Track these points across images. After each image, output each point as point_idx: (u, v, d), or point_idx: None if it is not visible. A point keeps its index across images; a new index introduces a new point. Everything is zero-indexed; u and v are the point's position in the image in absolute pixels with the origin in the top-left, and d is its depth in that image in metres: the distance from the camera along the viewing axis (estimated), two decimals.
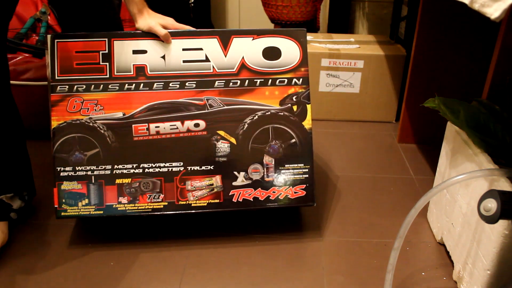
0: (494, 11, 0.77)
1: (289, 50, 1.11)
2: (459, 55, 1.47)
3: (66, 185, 1.06)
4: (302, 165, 1.11)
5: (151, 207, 1.08)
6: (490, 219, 0.71)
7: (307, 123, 1.11)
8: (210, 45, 1.09)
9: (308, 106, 1.11)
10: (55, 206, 1.06)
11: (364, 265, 1.05)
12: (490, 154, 0.90)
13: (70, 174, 1.06)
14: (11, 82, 1.11)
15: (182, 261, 1.05)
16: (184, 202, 1.08)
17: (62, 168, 1.06)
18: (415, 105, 1.56)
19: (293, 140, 1.10)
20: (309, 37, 1.88)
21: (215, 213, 1.13)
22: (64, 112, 1.06)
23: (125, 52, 1.07)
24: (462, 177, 0.83)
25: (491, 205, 0.70)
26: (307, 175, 1.11)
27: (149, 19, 1.07)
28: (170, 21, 1.10)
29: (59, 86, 1.06)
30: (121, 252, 1.07)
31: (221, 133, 1.09)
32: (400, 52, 1.73)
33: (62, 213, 1.06)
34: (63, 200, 1.06)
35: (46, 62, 1.05)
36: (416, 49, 1.48)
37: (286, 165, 1.10)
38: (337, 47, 1.76)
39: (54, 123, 1.06)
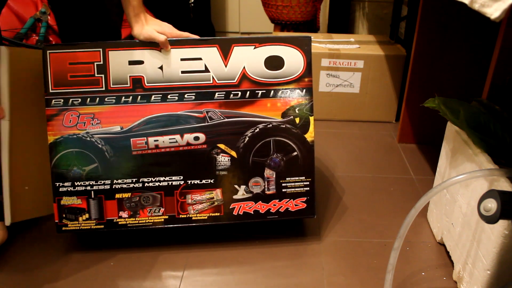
0: (494, 11, 0.76)
1: (293, 59, 1.04)
2: (459, 55, 1.44)
3: (65, 200, 1.01)
4: (304, 178, 1.05)
5: (152, 221, 1.03)
6: (490, 219, 0.69)
7: (309, 136, 1.04)
8: (209, 55, 1.02)
9: (311, 118, 1.04)
10: (56, 221, 1.02)
11: (364, 265, 1.02)
12: (490, 154, 0.87)
13: (69, 189, 1.01)
14: None
15: (182, 261, 1.03)
16: (185, 216, 1.04)
17: (61, 184, 1.01)
18: (415, 105, 1.53)
19: (295, 153, 1.04)
20: None
21: None
22: (60, 126, 1.00)
23: (121, 63, 1.00)
24: (462, 177, 0.80)
25: (491, 205, 0.69)
26: (308, 188, 1.06)
27: (146, 26, 1.00)
28: (167, 28, 1.02)
29: (53, 100, 1.00)
30: (121, 253, 1.04)
31: (222, 146, 1.03)
32: (400, 52, 1.69)
33: (63, 228, 1.02)
34: (64, 215, 1.02)
35: None
36: (416, 49, 1.45)
37: (287, 178, 1.05)
38: (337, 47, 1.71)
39: (51, 138, 1.00)
